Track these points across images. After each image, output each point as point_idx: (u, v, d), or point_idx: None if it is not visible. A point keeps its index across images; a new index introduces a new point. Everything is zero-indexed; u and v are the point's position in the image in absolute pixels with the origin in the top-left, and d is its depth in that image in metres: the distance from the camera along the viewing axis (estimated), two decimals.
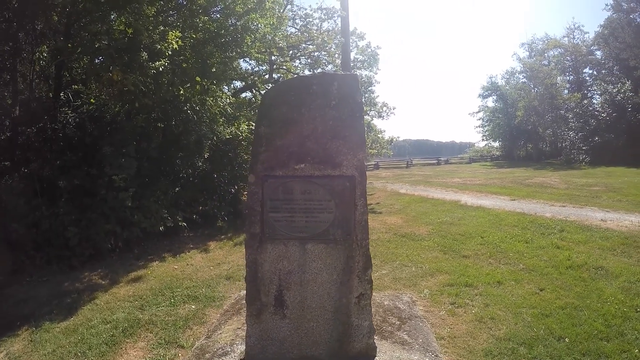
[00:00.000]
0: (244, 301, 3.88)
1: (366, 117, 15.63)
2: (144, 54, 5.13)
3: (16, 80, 5.84)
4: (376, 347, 2.76)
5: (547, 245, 5.93)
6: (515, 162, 30.62)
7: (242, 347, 2.98)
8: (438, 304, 3.98)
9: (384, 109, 16.85)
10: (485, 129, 38.24)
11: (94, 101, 6.09)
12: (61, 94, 5.93)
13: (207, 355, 3.00)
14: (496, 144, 39.63)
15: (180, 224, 6.39)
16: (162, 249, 6.22)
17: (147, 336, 3.53)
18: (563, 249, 5.64)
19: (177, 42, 5.45)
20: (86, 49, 5.06)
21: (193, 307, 4.10)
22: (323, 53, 12.57)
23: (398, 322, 3.37)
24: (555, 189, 12.60)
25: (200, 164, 6.77)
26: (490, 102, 37.85)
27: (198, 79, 6.18)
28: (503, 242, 6.09)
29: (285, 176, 2.34)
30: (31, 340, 3.53)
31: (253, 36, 6.76)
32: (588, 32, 46.39)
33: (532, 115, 31.11)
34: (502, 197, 11.10)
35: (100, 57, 5.46)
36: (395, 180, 18.93)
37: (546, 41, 36.46)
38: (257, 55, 7.93)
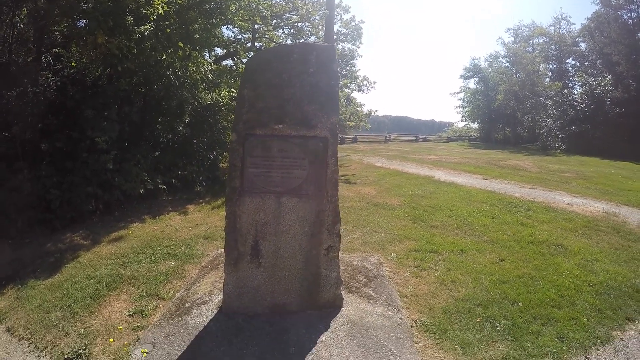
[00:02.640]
0: (222, 258, 4.15)
1: (346, 90, 15.64)
2: (130, 18, 5.02)
3: None
4: (343, 298, 3.08)
5: (512, 221, 6.30)
6: (493, 144, 31.21)
7: (219, 297, 3.24)
8: (403, 266, 4.32)
9: (365, 82, 16.90)
10: (465, 109, 38.77)
11: (75, 65, 5.94)
12: (42, 57, 5.74)
13: (186, 304, 3.24)
14: (475, 126, 40.26)
15: (160, 187, 6.49)
16: (141, 211, 6.34)
17: (129, 290, 3.72)
18: (527, 226, 6.01)
19: (162, 7, 5.33)
20: (72, 10, 4.88)
21: (173, 263, 4.31)
22: (307, 24, 12.41)
23: (365, 280, 3.70)
24: (527, 172, 13.16)
25: (180, 128, 6.77)
26: (472, 84, 38.36)
27: (181, 44, 6.10)
28: (471, 216, 6.46)
29: (264, 135, 2.54)
30: (17, 297, 3.66)
31: (237, 4, 6.64)
32: (575, 24, 47.14)
33: (512, 100, 31.74)
34: (475, 175, 11.50)
35: (84, 20, 5.28)
36: (372, 154, 19.09)
37: (532, 28, 36.71)
38: (240, 23, 7.80)
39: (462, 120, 41.57)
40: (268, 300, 2.82)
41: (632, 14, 26.54)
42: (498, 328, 3.10)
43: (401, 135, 39.43)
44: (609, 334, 3.09)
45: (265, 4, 8.44)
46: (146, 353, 2.64)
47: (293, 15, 11.94)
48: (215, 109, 7.73)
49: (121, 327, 3.07)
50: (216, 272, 3.86)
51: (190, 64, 6.30)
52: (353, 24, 14.58)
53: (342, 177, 11.14)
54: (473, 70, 37.18)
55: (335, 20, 13.82)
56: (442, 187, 9.08)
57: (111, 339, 2.91)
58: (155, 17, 5.35)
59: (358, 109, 14.97)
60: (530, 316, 3.29)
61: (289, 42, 12.66)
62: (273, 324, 2.80)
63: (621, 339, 3.04)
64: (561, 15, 38.27)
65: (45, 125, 5.44)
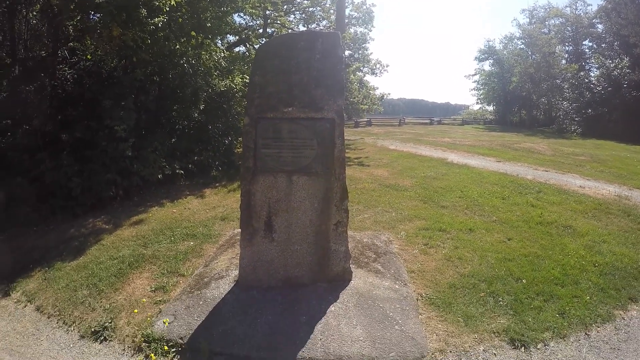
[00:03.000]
0: (238, 237, 4.36)
1: (359, 73, 15.57)
2: (143, 11, 5.18)
3: (14, 41, 5.85)
4: (352, 272, 3.25)
5: (522, 202, 6.31)
6: (508, 127, 30.73)
7: (236, 272, 3.44)
8: (412, 244, 4.46)
9: (378, 66, 16.77)
10: (480, 92, 38.14)
11: (90, 57, 6.16)
12: (58, 52, 5.98)
13: (205, 279, 3.47)
14: (490, 108, 39.59)
15: (177, 172, 6.74)
16: (160, 196, 6.62)
17: (151, 268, 3.97)
18: (537, 207, 6.01)
19: None
20: (87, 6, 5.05)
21: (192, 243, 4.55)
22: (318, 9, 12.34)
23: (374, 256, 3.86)
24: (541, 155, 12.98)
25: (196, 115, 6.98)
26: (487, 66, 37.53)
27: (193, 33, 6.22)
28: (481, 197, 6.51)
29: (275, 118, 2.70)
30: (45, 279, 3.91)
31: None
32: (591, 5, 44.86)
33: (527, 82, 30.92)
34: (489, 158, 11.43)
35: (98, 15, 5.45)
36: (386, 137, 19.04)
37: (548, 9, 35.41)
38: (251, 10, 7.86)
39: (477, 103, 41.03)
40: (281, 274, 3.02)
41: None
42: (501, 303, 3.21)
43: (416, 118, 39.07)
44: (611, 313, 3.13)
45: None
46: (168, 323, 2.87)
47: (304, 0, 11.89)
48: (229, 95, 7.91)
49: (144, 301, 3.31)
50: (233, 249, 4.08)
51: (203, 52, 6.45)
52: (364, 7, 14.44)
53: (355, 160, 11.25)
54: (488, 52, 36.26)
55: (346, 4, 13.71)
56: (454, 169, 9.10)
57: (135, 310, 3.16)
58: (167, 9, 5.49)
59: (371, 92, 14.90)
60: (533, 292, 3.37)
61: (300, 27, 12.68)
62: (285, 295, 3.00)
63: (623, 318, 3.10)
64: None
65: (65, 117, 5.72)
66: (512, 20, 76.49)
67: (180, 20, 5.98)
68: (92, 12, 5.51)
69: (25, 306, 3.48)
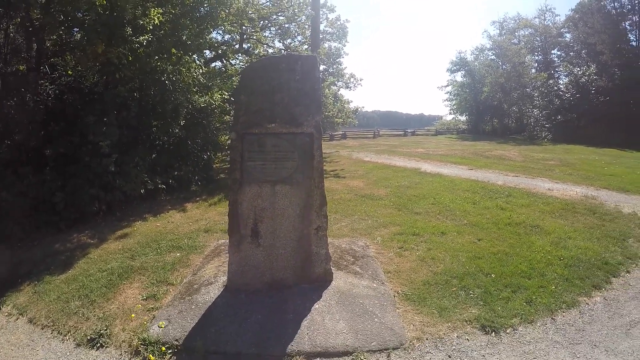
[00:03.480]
0: (223, 247, 4.62)
1: (333, 87, 16.12)
2: (128, 29, 5.41)
3: None
4: (333, 273, 3.57)
5: (492, 206, 6.83)
6: (481, 136, 32.04)
7: (224, 278, 3.69)
8: (388, 248, 4.84)
9: (352, 80, 17.44)
10: (453, 102, 39.65)
11: (71, 73, 6.30)
12: (40, 67, 6.09)
13: (195, 286, 3.70)
14: (463, 118, 41.15)
15: (160, 186, 6.89)
16: (142, 211, 6.76)
17: (140, 279, 4.14)
18: (506, 210, 6.52)
19: (158, 17, 5.74)
20: (73, 23, 5.24)
21: (178, 254, 4.75)
22: (293, 24, 12.90)
23: (352, 259, 4.20)
24: (512, 162, 13.81)
25: (177, 131, 7.19)
26: (459, 77, 39.17)
27: (174, 50, 6.50)
28: (453, 202, 7.00)
29: (259, 133, 3.04)
30: (35, 292, 4.00)
31: (227, 10, 7.05)
32: (559, 15, 48.47)
33: (499, 92, 32.73)
34: (461, 166, 12.10)
35: (81, 32, 5.62)
36: (360, 149, 19.63)
37: (517, 20, 38.01)
38: (229, 27, 8.21)
39: (450, 113, 42.45)
40: (267, 277, 3.30)
41: (615, 3, 27.53)
42: (472, 295, 3.58)
43: (390, 130, 39.93)
44: (575, 300, 3.52)
45: (253, 8, 8.86)
46: (163, 327, 3.08)
47: (280, 16, 12.41)
48: (208, 111, 8.16)
49: (138, 307, 3.49)
50: (219, 258, 4.32)
51: (182, 69, 6.71)
52: (338, 23, 15.19)
53: (331, 172, 11.64)
54: (460, 64, 38.00)
55: (320, 20, 14.34)
56: (428, 178, 9.64)
57: (132, 315, 3.35)
58: (151, 27, 5.75)
59: (345, 105, 15.51)
60: (501, 285, 3.76)
61: (276, 42, 13.13)
62: (272, 296, 3.28)
63: (587, 304, 3.49)
64: (546, 7, 39.75)
65: (47, 132, 5.81)
66: (483, 32, 78.65)
67: (162, 37, 6.23)
68: (75, 29, 5.68)
69: (17, 319, 3.57)
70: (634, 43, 26.89)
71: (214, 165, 9.79)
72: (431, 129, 42.72)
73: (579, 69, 27.46)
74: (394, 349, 2.81)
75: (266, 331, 2.91)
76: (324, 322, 2.99)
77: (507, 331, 3.06)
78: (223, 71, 10.21)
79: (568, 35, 34.10)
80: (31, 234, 5.54)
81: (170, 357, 2.83)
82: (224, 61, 11.45)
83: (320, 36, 14.47)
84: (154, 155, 7.12)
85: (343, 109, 15.36)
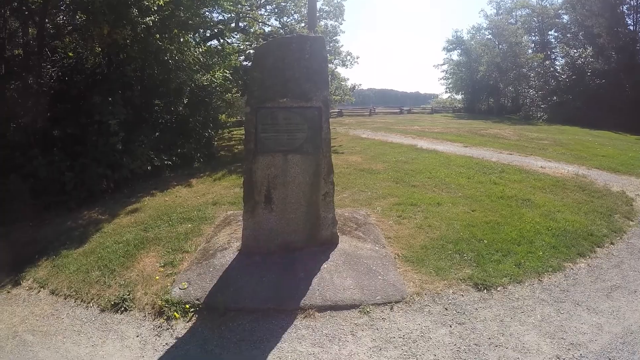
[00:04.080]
0: (232, 217, 4.91)
1: (330, 65, 16.18)
2: (135, 10, 5.50)
3: None
4: (339, 236, 3.92)
5: (486, 181, 7.19)
6: (477, 115, 32.29)
7: (237, 244, 4.00)
8: (387, 216, 5.19)
9: (348, 57, 17.47)
10: (449, 81, 39.83)
11: (72, 55, 6.39)
12: (43, 50, 6.16)
13: (210, 252, 4.02)
14: (459, 97, 41.45)
15: (166, 162, 7.14)
16: (149, 187, 7.02)
17: (156, 248, 4.41)
18: (499, 184, 6.87)
19: None
20: (78, 6, 5.29)
21: (189, 225, 5.03)
22: (290, 3, 12.85)
23: (355, 226, 4.55)
24: (506, 140, 14.14)
25: (180, 109, 7.36)
26: (455, 56, 39.22)
27: (176, 30, 6.58)
28: (448, 177, 7.35)
29: (272, 107, 3.32)
30: (54, 266, 4.17)
31: None
32: None
33: (495, 71, 32.92)
34: (456, 143, 12.40)
35: (85, 14, 5.64)
36: (357, 126, 19.88)
37: (515, 0, 37.68)
38: (229, 7, 8.23)
39: (446, 92, 42.59)
40: (279, 240, 3.63)
41: None
42: (465, 258, 3.96)
43: (386, 108, 39.96)
44: (561, 265, 3.86)
45: None
46: (184, 289, 3.38)
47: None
48: (209, 89, 8.30)
49: (160, 271, 3.78)
50: (230, 227, 4.63)
51: (185, 48, 6.83)
52: (335, 1, 15.10)
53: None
54: (456, 43, 37.83)
55: None
56: (424, 154, 9.97)
57: (156, 277, 3.66)
58: (155, 8, 5.83)
59: (342, 83, 15.63)
60: (493, 250, 4.12)
61: (272, 20, 13.06)
62: (284, 257, 3.63)
63: (572, 269, 3.82)
64: None
65: (54, 114, 5.96)
66: (480, 11, 77.55)
67: (166, 17, 6.30)
68: (81, 12, 5.74)
69: (38, 292, 3.74)
70: (631, 27, 26.99)
71: (214, 143, 9.99)
72: (427, 108, 42.85)
73: (575, 50, 27.60)
74: (396, 302, 3.18)
75: (280, 288, 3.25)
76: (332, 280, 3.36)
77: (498, 289, 3.42)
78: (220, 50, 10.24)
79: (565, 16, 34.01)
80: (42, 214, 5.74)
81: (193, 315, 3.12)
82: (221, 40, 11.44)
83: (317, 14, 14.42)
84: (157, 134, 7.33)
85: (340, 86, 15.50)
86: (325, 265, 3.53)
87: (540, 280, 3.60)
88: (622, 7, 27.00)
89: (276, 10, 13.04)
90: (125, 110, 6.13)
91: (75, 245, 4.69)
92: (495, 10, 38.72)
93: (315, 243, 3.71)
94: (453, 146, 11.83)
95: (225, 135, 15.40)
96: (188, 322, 3.07)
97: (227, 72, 8.25)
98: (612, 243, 4.60)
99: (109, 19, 5.15)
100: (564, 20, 34.38)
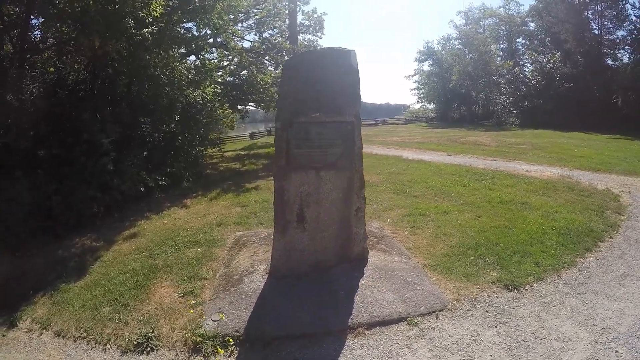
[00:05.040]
0: (244, 239, 4.79)
1: None
2: (130, 21, 5.29)
3: None
4: (369, 250, 3.93)
5: (481, 187, 7.56)
6: (450, 123, 33.57)
7: (263, 267, 3.89)
8: (401, 228, 5.29)
9: None
10: (421, 91, 41.34)
11: (53, 70, 6.04)
12: (25, 65, 5.78)
13: (234, 277, 3.82)
14: (431, 106, 43.13)
15: (160, 183, 6.85)
16: (141, 210, 6.69)
17: (169, 276, 4.12)
18: (494, 190, 7.27)
19: (160, 10, 5.65)
20: (70, 15, 5.00)
21: (198, 249, 4.81)
22: (269, 17, 12.98)
23: (376, 239, 4.58)
24: (487, 147, 14.90)
25: (172, 126, 7.13)
26: (426, 67, 40.86)
27: (164, 46, 6.41)
28: (444, 185, 7.64)
29: (305, 122, 3.27)
30: (54, 303, 3.75)
31: (221, 4, 7.06)
32: (523, 5, 51.27)
33: (466, 80, 34.69)
34: (440, 152, 12.93)
35: (75, 25, 5.36)
36: None
37: (482, 10, 40.23)
38: (218, 21, 8.17)
39: (418, 102, 44.15)
40: (311, 260, 3.57)
41: None
42: (488, 262, 4.17)
43: (363, 119, 40.71)
44: (573, 260, 4.25)
45: (240, 3, 8.83)
46: (219, 320, 3.13)
47: (256, 9, 12.44)
48: (199, 105, 8.13)
49: (180, 304, 3.50)
50: (246, 249, 4.49)
51: (176, 63, 6.67)
52: (315, 16, 15.45)
53: None
54: (427, 53, 39.54)
55: (298, 10, 14.57)
56: (413, 164, 10.32)
57: (191, 310, 3.37)
58: (150, 19, 5.67)
59: None
60: (510, 252, 4.39)
61: (252, 35, 13.09)
62: (318, 277, 3.56)
63: (583, 263, 4.21)
64: None
65: (37, 133, 5.57)
66: (449, 21, 78.49)
67: (160, 30, 6.14)
68: (71, 22, 5.45)
69: (40, 334, 3.38)
70: (595, 31, 29.34)
71: (201, 161, 9.76)
72: (401, 118, 44.09)
73: (543, 56, 29.62)
74: (439, 310, 3.26)
75: (323, 310, 3.17)
76: (374, 295, 3.35)
77: (526, 288, 3.67)
78: (201, 66, 10.08)
79: (532, 24, 36.34)
80: (27, 242, 5.30)
81: (234, 348, 2.90)
82: (200, 56, 11.26)
83: (298, 29, 14.69)
84: (145, 153, 7.04)
85: None
86: (363, 282, 3.51)
87: (560, 276, 3.92)
88: (587, 13, 29.42)
89: (254, 25, 13.04)
90: (116, 128, 5.85)
91: (74, 278, 4.33)
92: (464, 21, 40.97)
93: (347, 260, 3.70)
94: (437, 155, 12.29)
95: (205, 153, 15.09)
96: (229, 356, 2.88)
97: (218, 87, 8.11)
98: (611, 237, 5.05)
99: (100, 29, 4.93)
100: (531, 28, 36.84)
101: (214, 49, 12.08)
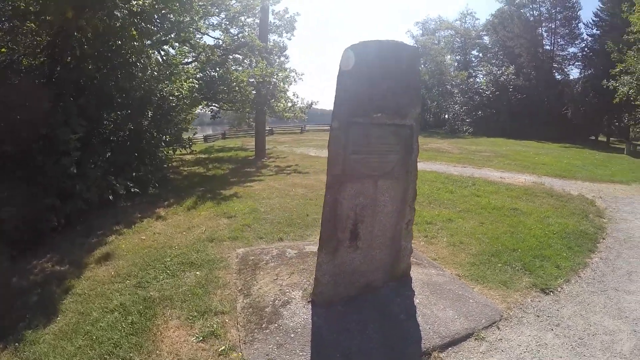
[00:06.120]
0: (252, 257, 4.26)
1: (274, 80, 15.55)
2: None
3: None
4: (411, 266, 3.70)
5: (468, 194, 7.82)
6: None
7: (297, 293, 3.36)
8: (415, 238, 5.04)
9: (292, 74, 17.37)
10: None
11: (5, 50, 4.82)
12: None
13: (266, 309, 3.18)
14: None
15: (132, 190, 5.91)
16: (109, 222, 5.65)
17: (173, 313, 3.30)
18: (482, 197, 7.55)
19: None
20: None
21: (198, 273, 4.01)
22: (242, 14, 12.33)
23: None
24: (451, 154, 15.72)
25: (145, 123, 6.19)
26: None
27: (134, 32, 5.51)
28: (432, 192, 7.75)
29: (365, 123, 2.87)
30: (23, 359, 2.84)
31: None
32: (479, 19, 55.81)
33: (422, 89, 36.60)
34: None
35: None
36: (297, 144, 20.04)
37: (439, 22, 42.86)
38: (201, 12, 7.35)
39: None
40: (361, 281, 3.18)
41: (534, 11, 33.09)
42: (516, 268, 4.29)
43: (316, 125, 40.81)
44: (584, 261, 4.66)
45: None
46: None
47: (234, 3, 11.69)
48: (172, 103, 7.19)
49: (203, 351, 2.84)
50: (262, 272, 3.89)
51: (150, 51, 5.80)
52: (287, 16, 14.99)
53: (289, 168, 11.60)
54: None
55: (269, 9, 14.05)
56: None
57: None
58: None
59: (296, 99, 15.38)
60: (530, 256, 4.60)
61: (217, 32, 12.26)
62: (370, 301, 3.20)
63: (592, 263, 4.61)
64: (467, 11, 45.03)
65: None
66: (407, 32, 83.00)
67: (145, 10, 5.24)
68: None
69: None
70: (548, 47, 32.85)
71: (167, 164, 8.77)
72: None
73: (497, 69, 32.46)
74: (498, 321, 3.22)
75: (390, 338, 2.85)
76: (434, 314, 3.11)
77: (558, 290, 3.89)
78: (162, 62, 9.08)
79: (486, 37, 39.59)
80: None
81: None
82: (162, 51, 10.13)
83: (269, 28, 14.17)
84: (109, 154, 6.05)
85: (295, 103, 15.20)
86: (417, 300, 3.25)
87: (579, 276, 4.25)
88: (541, 29, 32.88)
89: (223, 24, 12.14)
90: (82, 122, 4.85)
91: (42, 321, 3.29)
92: (421, 31, 43.28)
93: (393, 278, 3.39)
94: None
95: (173, 155, 13.81)
96: None
97: (195, 82, 7.26)
98: (603, 239, 5.58)
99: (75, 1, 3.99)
100: (485, 41, 40.01)
101: (177, 44, 11.07)
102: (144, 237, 5.19)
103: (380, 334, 2.87)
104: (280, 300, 3.33)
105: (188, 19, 6.39)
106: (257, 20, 13.84)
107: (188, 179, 9.70)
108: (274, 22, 14.91)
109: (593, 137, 31.32)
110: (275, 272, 3.87)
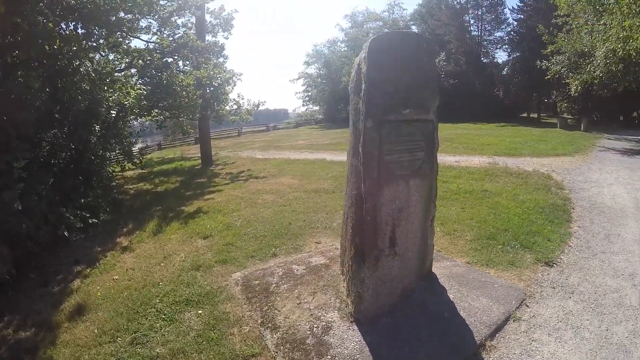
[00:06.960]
0: (257, 281, 3.92)
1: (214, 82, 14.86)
2: None
3: None
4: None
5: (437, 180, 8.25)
6: (338, 123, 35.39)
7: (333, 315, 3.12)
8: None
9: (234, 76, 16.68)
10: (310, 94, 43.22)
11: None
12: None
13: (307, 340, 2.87)
14: (317, 108, 45.30)
15: (92, 221, 5.08)
16: (64, 262, 4.83)
17: None
18: (449, 182, 7.83)
19: None
20: None
21: (199, 312, 3.51)
22: (176, 15, 11.45)
23: None
24: None
25: (93, 139, 5.33)
26: (312, 70, 42.86)
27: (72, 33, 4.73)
28: None
29: (396, 120, 2.76)
30: None
31: None
32: (407, 9, 58.30)
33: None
34: None
35: None
36: (240, 148, 19.64)
37: (366, 14, 44.07)
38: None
39: (303, 105, 45.81)
40: (399, 288, 3.09)
41: None
42: (515, 247, 4.59)
43: (252, 126, 40.05)
44: (567, 231, 5.14)
45: None
46: None
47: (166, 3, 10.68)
48: (121, 112, 6.31)
49: None
50: (279, 297, 3.54)
51: (98, 53, 5.01)
52: (224, 14, 14.23)
53: (242, 174, 11.18)
54: (316, 56, 41.46)
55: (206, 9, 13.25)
56: (344, 166, 10.47)
57: None
58: None
59: (241, 101, 14.71)
60: (522, 235, 4.93)
61: (150, 35, 11.21)
62: (408, 307, 3.13)
63: (575, 231, 5.13)
64: (394, 2, 46.67)
65: None
66: (336, 25, 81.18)
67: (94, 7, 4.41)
68: None
69: None
70: (475, 33, 35.41)
71: (115, 183, 7.81)
72: (291, 122, 45.09)
73: None
74: (524, 299, 3.41)
75: (446, 337, 2.83)
76: (472, 305, 3.17)
77: (558, 261, 4.24)
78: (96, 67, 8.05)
79: (415, 27, 41.04)
80: None
81: None
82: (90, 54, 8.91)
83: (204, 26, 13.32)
84: (52, 179, 5.14)
85: (241, 105, 14.53)
86: (451, 296, 3.27)
87: (570, 246, 4.72)
88: (468, 17, 35.37)
89: (155, 26, 11.08)
90: (25, 146, 3.97)
91: None
92: (350, 24, 44.06)
93: (420, 277, 3.36)
94: None
95: (120, 173, 12.32)
96: None
97: (143, 88, 6.41)
98: (573, 209, 6.20)
99: None
100: (415, 31, 42.14)
101: (107, 48, 9.89)
102: (116, 277, 4.48)
103: (436, 337, 2.83)
104: (318, 327, 3.03)
105: (130, 16, 5.67)
106: (193, 20, 12.97)
107: (139, 199, 8.73)
108: (210, 21, 14.10)
109: (525, 115, 34.64)
110: (294, 294, 3.54)
